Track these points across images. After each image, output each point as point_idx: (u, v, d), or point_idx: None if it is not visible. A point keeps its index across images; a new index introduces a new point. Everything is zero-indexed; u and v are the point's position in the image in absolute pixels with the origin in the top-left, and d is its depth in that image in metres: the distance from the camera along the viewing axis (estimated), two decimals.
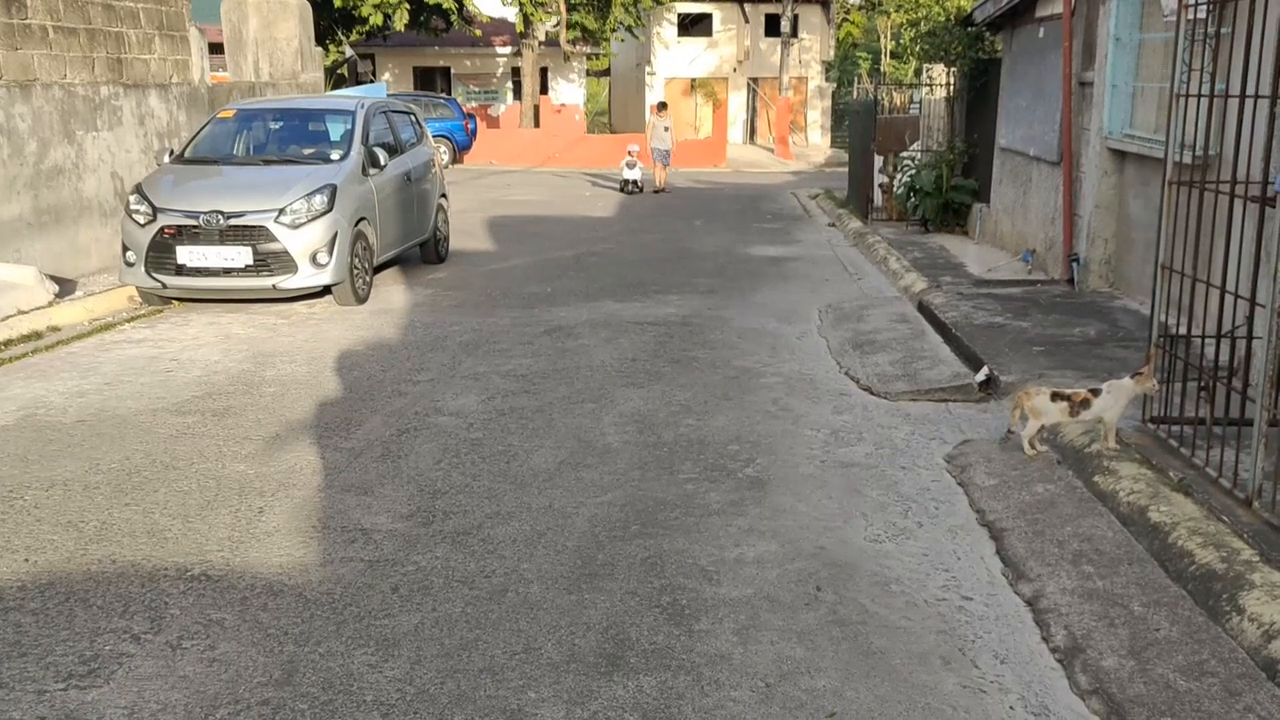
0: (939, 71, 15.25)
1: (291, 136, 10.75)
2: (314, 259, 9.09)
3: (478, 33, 34.58)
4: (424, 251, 11.84)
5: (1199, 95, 5.10)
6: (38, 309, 8.74)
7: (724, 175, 26.92)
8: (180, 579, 4.24)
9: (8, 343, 7.98)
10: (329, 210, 9.21)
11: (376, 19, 29.48)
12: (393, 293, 10.27)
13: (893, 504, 5.04)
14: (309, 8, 16.27)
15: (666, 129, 20.93)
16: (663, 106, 22.30)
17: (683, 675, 3.55)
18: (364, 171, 9.98)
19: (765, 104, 38.75)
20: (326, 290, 9.52)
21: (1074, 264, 9.45)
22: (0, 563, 4.38)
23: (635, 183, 20.12)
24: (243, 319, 9.01)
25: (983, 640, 3.81)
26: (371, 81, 32.98)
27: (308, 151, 10.39)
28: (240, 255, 8.97)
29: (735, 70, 39.83)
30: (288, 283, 9.11)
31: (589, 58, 40.95)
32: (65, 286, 9.58)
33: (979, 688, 3.51)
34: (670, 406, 6.54)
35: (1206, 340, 5.35)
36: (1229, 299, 4.90)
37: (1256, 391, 4.50)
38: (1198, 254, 5.04)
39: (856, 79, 41.67)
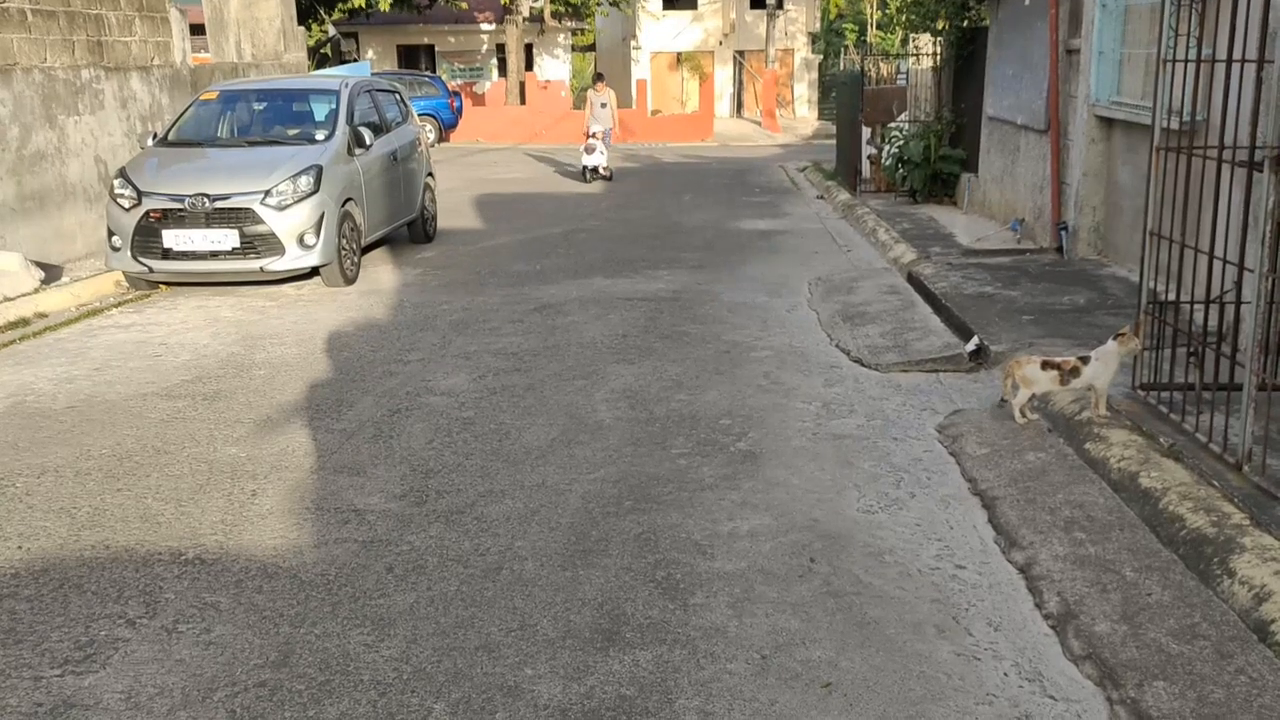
0: (925, 41, 15.20)
1: (276, 117, 10.68)
2: (301, 240, 9.05)
3: (464, 5, 34.30)
4: (412, 231, 11.79)
5: (1186, 60, 5.09)
6: (24, 295, 8.69)
7: (711, 149, 26.84)
8: (174, 563, 4.24)
9: None
10: (315, 191, 9.16)
11: None
12: (381, 273, 10.24)
13: (885, 475, 5.05)
14: None
15: (604, 105, 18.56)
16: (599, 78, 19.83)
17: (678, 649, 3.57)
18: (350, 152, 9.93)
19: (752, 77, 38.61)
20: (314, 272, 9.48)
21: (1062, 232, 9.46)
22: None
23: (597, 169, 18.31)
24: (231, 302, 8.97)
25: (976, 608, 3.83)
26: (355, 60, 32.78)
27: (292, 132, 10.31)
28: (227, 238, 8.93)
29: (721, 44, 39.63)
30: (275, 265, 9.07)
31: (574, 33, 40.74)
32: (51, 272, 9.53)
33: (973, 655, 3.53)
34: (661, 382, 6.54)
35: (1195, 306, 5.37)
36: (1217, 264, 4.91)
37: (1245, 356, 4.52)
38: (1186, 220, 5.04)
39: (843, 50, 41.51)
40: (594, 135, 18.21)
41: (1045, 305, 7.71)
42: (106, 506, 4.80)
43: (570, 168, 20.57)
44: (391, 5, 30.55)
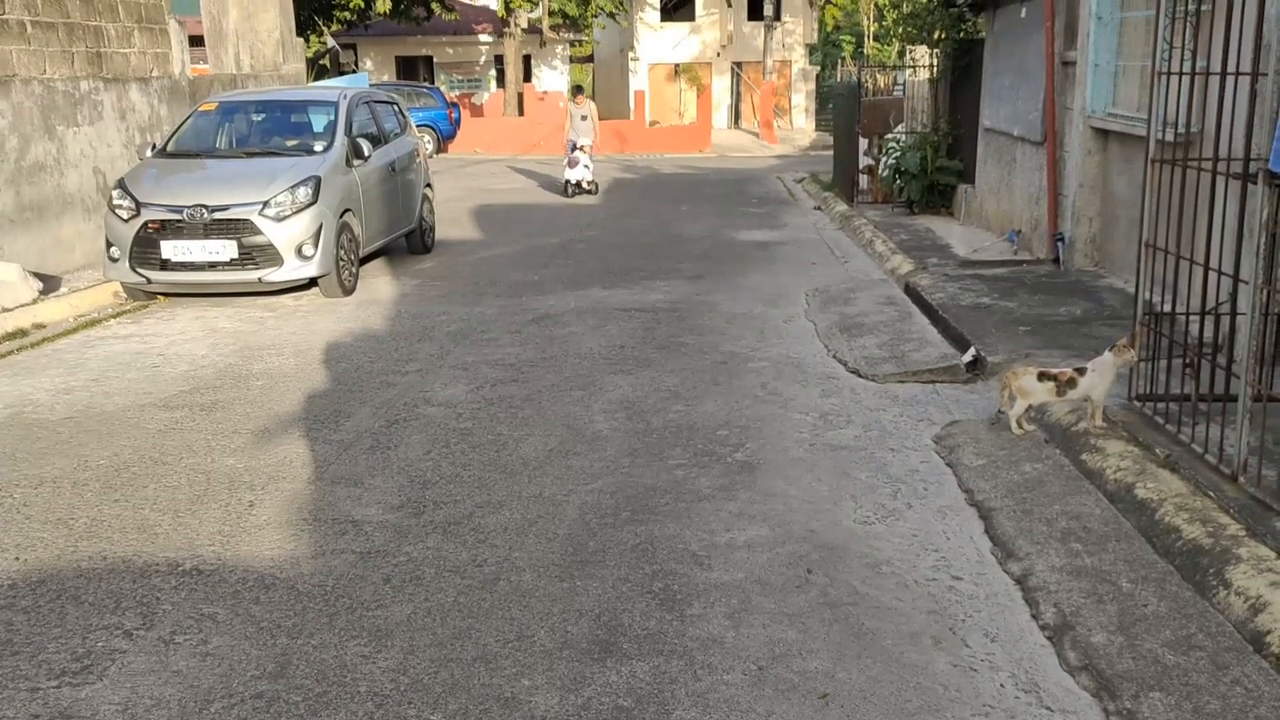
0: (922, 53, 15.25)
1: (274, 128, 10.70)
2: (299, 251, 9.07)
3: (456, 15, 34.37)
4: (410, 242, 11.81)
5: (1181, 73, 5.12)
6: (22, 306, 8.70)
7: (709, 160, 26.88)
8: (171, 574, 4.24)
9: None
10: (314, 202, 9.18)
11: (357, 1, 29.35)
12: (379, 284, 10.25)
13: (882, 486, 5.06)
14: None
15: (584, 118, 17.96)
16: (578, 91, 19.13)
17: (675, 660, 3.57)
18: (348, 163, 9.94)
19: (749, 88, 38.70)
20: (313, 282, 9.49)
21: (1059, 243, 9.48)
22: None
23: (580, 184, 17.77)
24: (229, 313, 8.98)
25: (973, 619, 3.83)
26: (354, 72, 32.83)
27: (291, 143, 10.34)
28: (225, 249, 8.94)
29: (719, 55, 39.74)
30: (273, 275, 9.08)
31: (572, 44, 40.84)
32: (49, 283, 9.53)
33: (970, 666, 3.53)
34: (659, 392, 6.55)
35: (1191, 317, 5.38)
36: (1213, 275, 4.93)
37: (1241, 367, 4.53)
38: (1181, 231, 5.06)
39: (840, 62, 41.64)
40: (581, 148, 17.69)
41: (1042, 316, 7.72)
42: (104, 517, 4.80)
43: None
44: (390, 15, 30.62)
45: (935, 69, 14.52)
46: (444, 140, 27.78)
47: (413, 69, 38.57)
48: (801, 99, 40.08)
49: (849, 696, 3.36)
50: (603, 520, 4.68)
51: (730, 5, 39.21)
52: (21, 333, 8.26)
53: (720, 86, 39.96)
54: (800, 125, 38.87)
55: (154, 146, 10.26)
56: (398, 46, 38.00)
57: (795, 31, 39.63)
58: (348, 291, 9.60)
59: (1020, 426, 5.51)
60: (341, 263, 9.47)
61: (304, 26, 27.35)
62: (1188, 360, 5.29)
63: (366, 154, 10.14)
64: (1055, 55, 9.63)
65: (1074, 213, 9.25)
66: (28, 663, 3.61)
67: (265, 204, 9.00)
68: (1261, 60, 4.52)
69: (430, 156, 15.48)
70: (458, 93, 35.32)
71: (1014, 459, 5.23)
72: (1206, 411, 4.86)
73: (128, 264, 9.06)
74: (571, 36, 39.18)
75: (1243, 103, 4.68)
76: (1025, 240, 10.59)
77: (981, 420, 5.87)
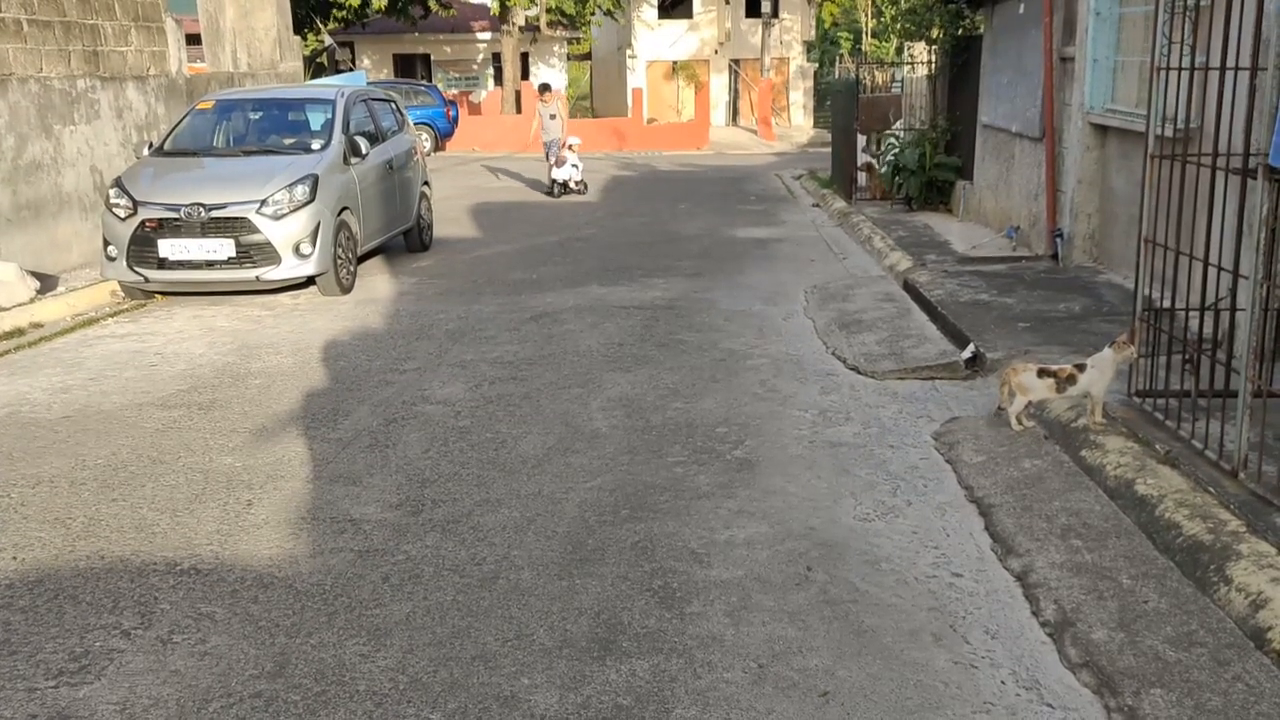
0: (920, 49, 15.24)
1: (272, 127, 10.69)
2: (297, 250, 9.05)
3: (453, 13, 34.34)
4: (408, 240, 11.80)
5: (1179, 68, 5.11)
6: (19, 305, 8.69)
7: (707, 158, 26.87)
8: (170, 573, 4.23)
9: None
10: (311, 200, 9.16)
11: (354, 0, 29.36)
12: (377, 282, 10.23)
13: (881, 482, 5.05)
14: None
15: (553, 116, 17.55)
16: (545, 89, 18.57)
17: (675, 658, 3.56)
18: (345, 161, 9.93)
19: (747, 85, 38.69)
20: (310, 281, 9.47)
21: (1058, 239, 9.47)
22: None
23: (565, 184, 17.40)
24: (227, 311, 8.96)
25: (973, 616, 3.82)
26: (351, 69, 32.81)
27: (288, 141, 10.32)
28: (223, 247, 8.92)
29: (717, 52, 39.72)
30: (271, 274, 9.06)
31: (569, 42, 40.84)
32: (47, 282, 9.52)
33: (970, 663, 3.52)
34: (658, 390, 6.54)
35: (1191, 313, 5.37)
36: (1212, 271, 4.92)
37: (1241, 363, 4.52)
38: (1180, 227, 5.05)
39: (838, 59, 41.62)
40: (571, 147, 17.46)
41: (1041, 312, 7.72)
42: (101, 516, 4.78)
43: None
44: (387, 13, 30.59)
45: (933, 65, 14.51)
46: (442, 138, 27.76)
47: (410, 67, 38.55)
48: (799, 96, 40.07)
49: (849, 694, 3.35)
50: (602, 518, 4.67)
51: (728, 2, 39.19)
52: (19, 332, 8.24)
53: (718, 84, 39.95)
54: (798, 122, 38.87)
55: (151, 145, 10.24)
56: (395, 44, 37.97)
57: (793, 28, 39.60)
58: (345, 290, 9.59)
59: (1020, 423, 5.50)
60: (339, 261, 9.46)
61: (301, 24, 27.35)
62: (1187, 356, 5.29)
63: (364, 152, 10.13)
64: (1054, 51, 9.62)
65: (1073, 209, 9.24)
66: (25, 663, 3.60)
67: (263, 202, 8.98)
68: (1261, 55, 4.51)
69: (428, 154, 15.46)
70: (455, 90, 35.31)
71: (1013, 455, 5.23)
72: (1206, 407, 4.85)
73: (125, 263, 9.04)
74: (569, 34, 39.17)
75: (1242, 98, 4.67)
76: (1024, 236, 10.58)
77: (981, 417, 5.86)
